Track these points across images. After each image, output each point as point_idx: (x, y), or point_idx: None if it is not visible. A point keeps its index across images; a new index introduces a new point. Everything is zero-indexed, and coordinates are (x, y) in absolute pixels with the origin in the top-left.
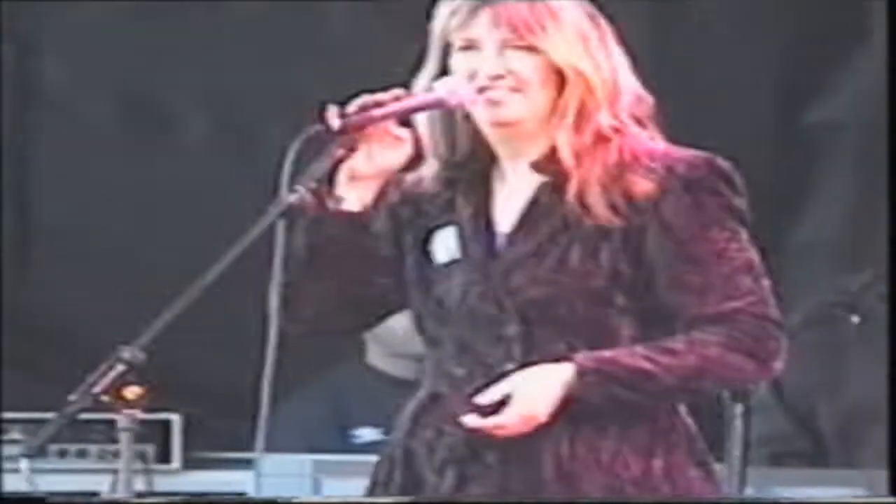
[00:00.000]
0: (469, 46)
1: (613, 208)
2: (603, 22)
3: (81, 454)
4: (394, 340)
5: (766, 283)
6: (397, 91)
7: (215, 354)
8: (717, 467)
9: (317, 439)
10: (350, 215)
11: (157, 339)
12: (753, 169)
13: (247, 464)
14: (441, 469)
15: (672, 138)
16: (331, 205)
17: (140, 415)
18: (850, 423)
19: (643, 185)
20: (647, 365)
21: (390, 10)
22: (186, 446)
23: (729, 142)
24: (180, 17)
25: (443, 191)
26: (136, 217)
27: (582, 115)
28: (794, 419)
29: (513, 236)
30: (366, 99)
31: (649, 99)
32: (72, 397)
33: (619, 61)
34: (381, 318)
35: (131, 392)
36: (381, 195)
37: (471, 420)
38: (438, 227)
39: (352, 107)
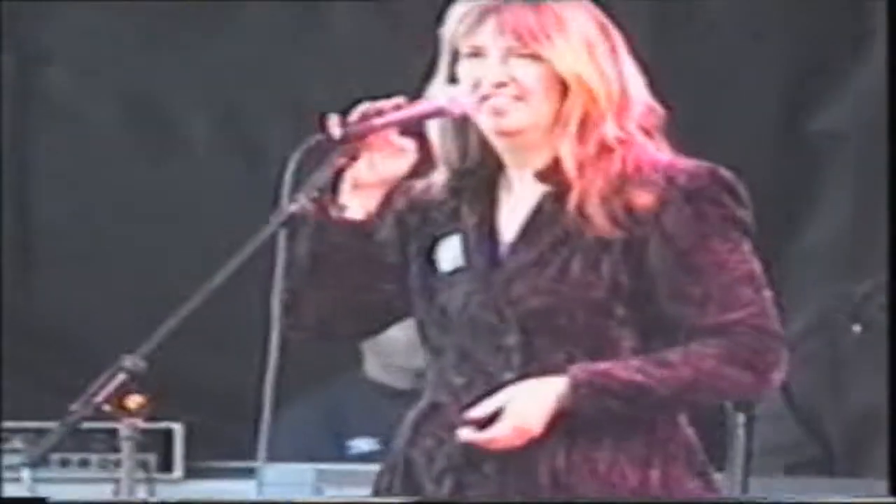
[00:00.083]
0: (475, 53)
1: (613, 219)
2: (614, 31)
3: (83, 463)
4: (395, 352)
5: (767, 294)
6: (398, 99)
7: (217, 362)
8: (719, 477)
9: (313, 448)
10: (353, 223)
11: (158, 348)
12: (755, 177)
13: (249, 473)
14: (439, 478)
15: (674, 147)
16: (334, 213)
17: (142, 424)
18: (851, 433)
19: (644, 197)
20: (640, 377)
21: (393, 12)
22: (188, 455)
23: (730, 151)
24: (182, 21)
25: (449, 199)
26: (138, 222)
27: (586, 125)
28: (804, 428)
29: (515, 246)
30: (367, 107)
31: (660, 110)
32: (73, 406)
33: (630, 71)
34: (386, 324)
35: (133, 401)
36: (388, 203)
37: (465, 433)
38: (444, 235)
39: (353, 115)
